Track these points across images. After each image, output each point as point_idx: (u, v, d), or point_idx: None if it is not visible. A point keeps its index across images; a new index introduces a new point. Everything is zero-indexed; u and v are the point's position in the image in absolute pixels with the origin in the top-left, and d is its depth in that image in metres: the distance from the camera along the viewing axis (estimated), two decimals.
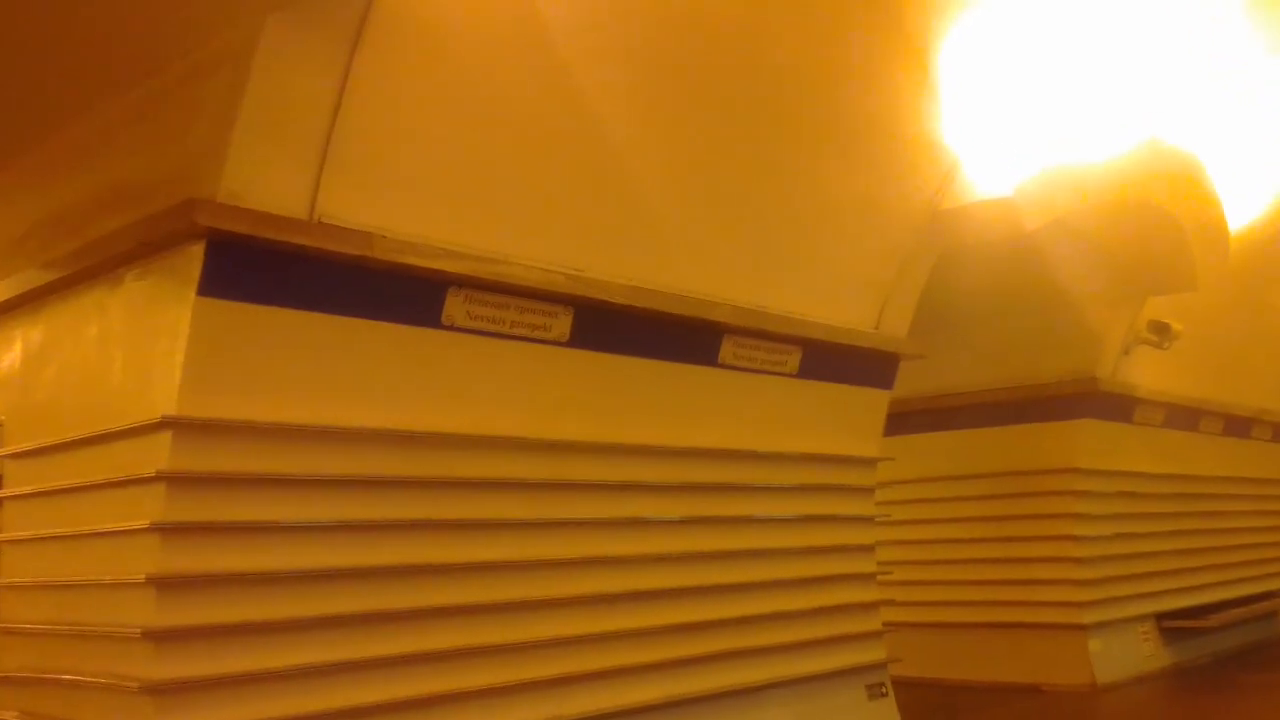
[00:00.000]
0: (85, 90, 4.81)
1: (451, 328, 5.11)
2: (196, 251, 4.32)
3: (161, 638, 4.27)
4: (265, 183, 4.42)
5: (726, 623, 6.39)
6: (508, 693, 5.26)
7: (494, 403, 5.37)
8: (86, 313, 4.91)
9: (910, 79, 6.46)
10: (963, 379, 9.83)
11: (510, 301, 5.28)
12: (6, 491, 5.19)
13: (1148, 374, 9.93)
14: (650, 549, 6.09)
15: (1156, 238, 8.44)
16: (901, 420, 8.84)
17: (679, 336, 6.14)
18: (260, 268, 4.48)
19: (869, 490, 7.64)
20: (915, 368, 7.97)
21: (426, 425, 5.08)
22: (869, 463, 7.62)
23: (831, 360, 7.05)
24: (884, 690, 7.36)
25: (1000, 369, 9.70)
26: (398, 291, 4.88)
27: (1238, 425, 11.90)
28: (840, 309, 7.12)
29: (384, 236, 4.73)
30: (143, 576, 4.29)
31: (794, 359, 6.83)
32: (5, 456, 5.24)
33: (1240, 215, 9.14)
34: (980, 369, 9.77)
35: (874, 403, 7.59)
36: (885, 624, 7.53)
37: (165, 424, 4.33)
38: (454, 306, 5.08)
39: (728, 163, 6.06)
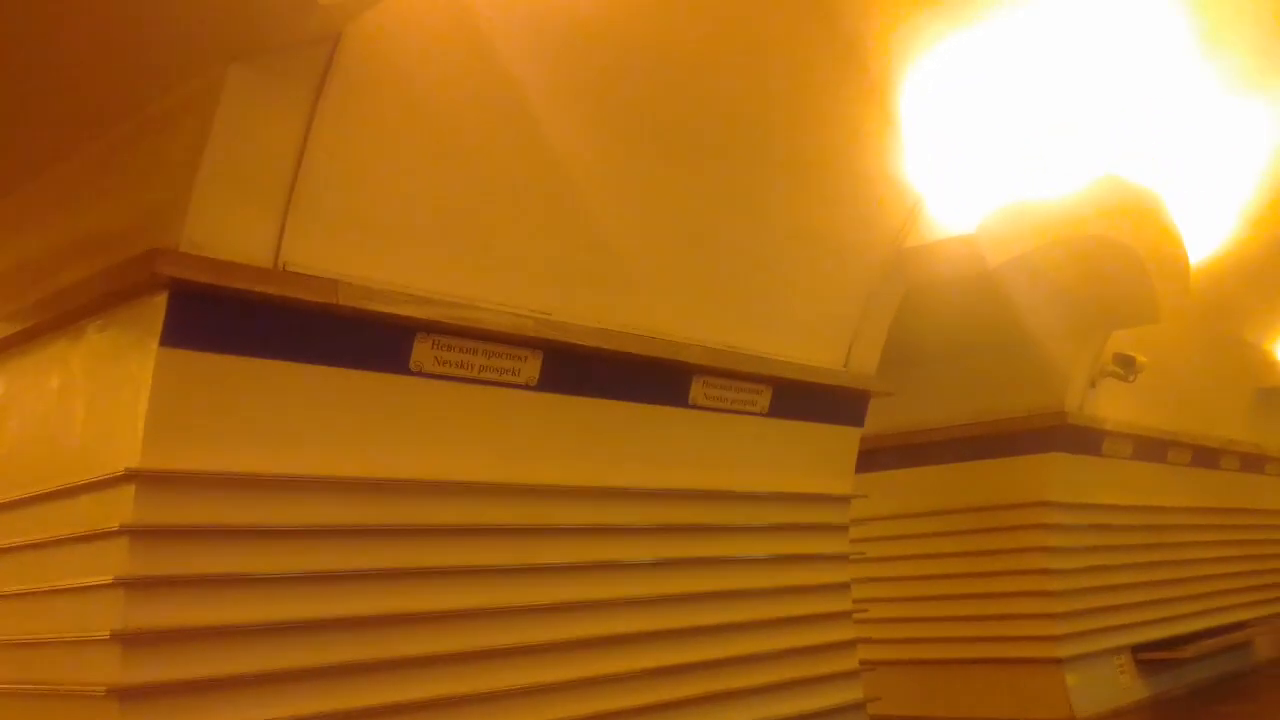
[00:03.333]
0: (48, 141, 4.79)
1: (419, 374, 5.09)
2: (159, 302, 4.29)
3: (127, 695, 4.18)
4: (229, 231, 4.40)
5: (703, 665, 6.34)
6: None
7: (463, 448, 5.33)
8: (48, 365, 4.85)
9: (873, 117, 6.54)
10: (932, 415, 9.88)
11: (478, 346, 5.27)
12: None
13: (1115, 407, 10.03)
14: (624, 592, 6.04)
15: (1118, 272, 8.54)
16: (873, 457, 8.87)
17: (648, 378, 6.14)
18: (224, 317, 4.44)
19: (842, 528, 7.64)
20: (885, 405, 8.01)
21: (395, 472, 5.03)
22: (842, 500, 7.62)
23: (801, 399, 7.07)
24: None
25: (968, 404, 9.76)
26: (365, 338, 4.86)
27: (1206, 456, 12.01)
28: (809, 347, 7.15)
29: (349, 283, 4.71)
30: (107, 633, 4.20)
31: (764, 398, 6.85)
32: None
33: (1200, 248, 9.28)
34: (949, 405, 9.83)
35: (845, 440, 7.61)
36: (862, 662, 7.50)
37: (129, 477, 4.27)
38: (421, 352, 5.06)
39: (693, 203, 6.10)
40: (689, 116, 5.81)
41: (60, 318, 4.72)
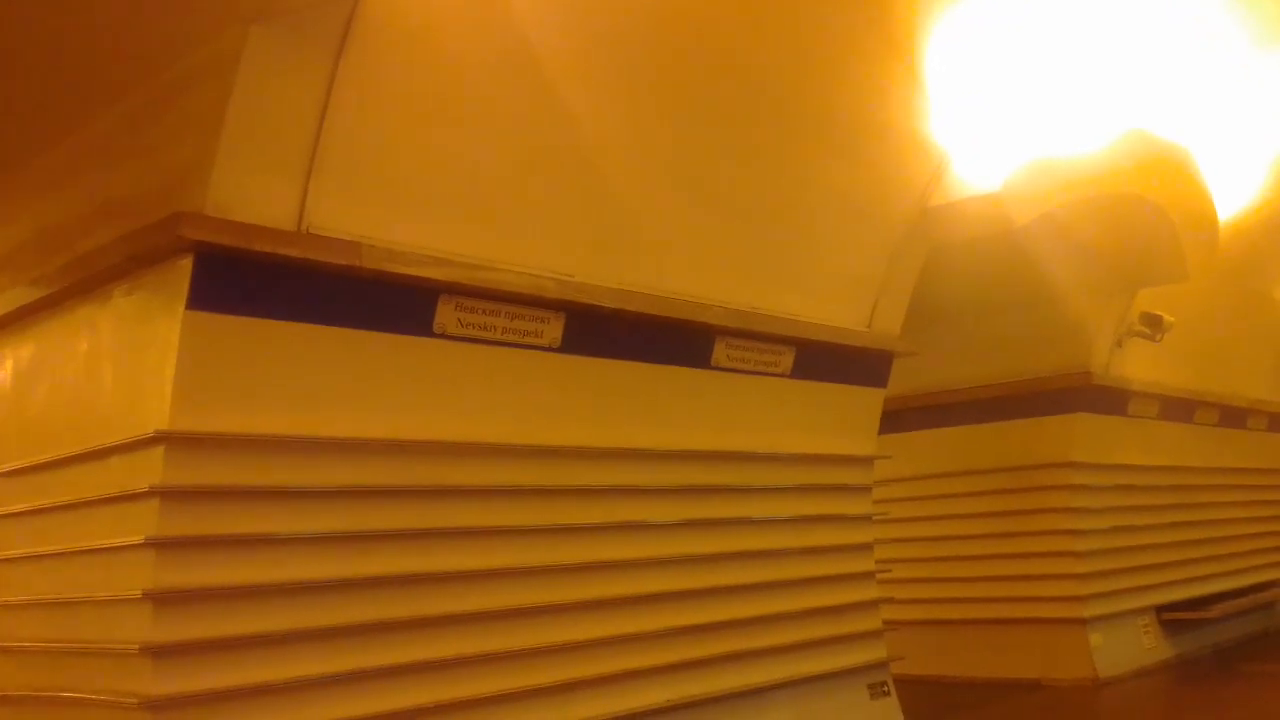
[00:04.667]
0: (71, 106, 4.81)
1: (443, 335, 5.10)
2: (185, 265, 4.32)
3: (159, 653, 4.25)
4: (252, 194, 4.41)
5: (727, 625, 6.38)
6: (508, 700, 5.24)
7: (487, 410, 5.35)
8: (76, 329, 4.90)
9: (897, 76, 6.46)
10: (956, 375, 9.83)
11: (501, 308, 5.28)
12: (2, 510, 5.16)
13: (1141, 367, 9.94)
14: (648, 553, 6.07)
15: (1146, 229, 8.44)
16: (897, 418, 8.83)
17: (671, 339, 6.13)
18: (249, 280, 4.46)
19: (866, 489, 7.63)
20: (909, 365, 7.97)
21: (419, 434, 5.06)
22: (865, 461, 7.61)
23: (825, 360, 7.05)
24: (886, 689, 7.35)
25: (993, 365, 9.70)
26: (388, 300, 4.87)
27: (1233, 416, 11.91)
28: (832, 308, 7.12)
29: (372, 245, 4.72)
30: (139, 592, 4.27)
31: (787, 359, 6.83)
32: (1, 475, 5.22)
33: (1229, 204, 9.16)
34: (973, 365, 9.77)
35: (869, 401, 7.59)
36: (885, 622, 7.52)
37: (158, 439, 4.31)
38: (445, 314, 5.07)
39: (715, 164, 6.06)
40: (711, 77, 5.76)
41: (87, 281, 4.75)
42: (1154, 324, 9.52)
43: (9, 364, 5.30)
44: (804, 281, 6.88)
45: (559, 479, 5.66)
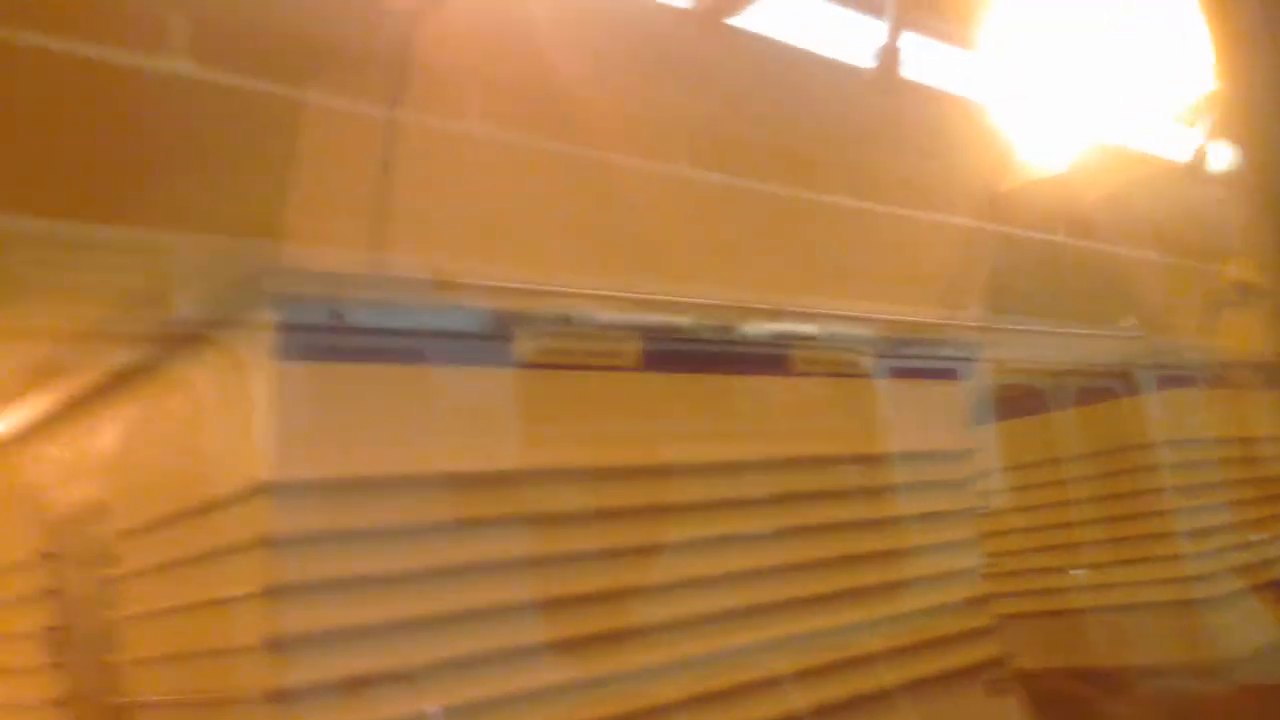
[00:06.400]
0: (144, 174, 4.98)
1: (523, 365, 5.16)
2: (270, 316, 4.44)
3: (282, 699, 4.33)
4: (327, 243, 4.53)
5: (837, 631, 6.29)
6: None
7: (573, 434, 5.39)
8: (174, 388, 5.05)
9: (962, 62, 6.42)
10: (1042, 361, 9.65)
11: (577, 332, 5.32)
12: (120, 570, 5.33)
13: (1234, 336, 9.68)
14: (748, 564, 6.03)
15: (1218, 203, 8.25)
16: (988, 409, 8.69)
17: (750, 349, 6.13)
18: (332, 326, 4.57)
19: (962, 483, 7.51)
20: (993, 354, 7.85)
21: (514, 463, 5.11)
22: (958, 455, 7.49)
23: (905, 356, 6.98)
24: (1004, 686, 7.19)
25: (1079, 347, 9.51)
26: (467, 333, 4.94)
27: None
28: (908, 301, 7.06)
29: (448, 281, 4.81)
30: (257, 640, 4.36)
31: (867, 359, 6.78)
32: (115, 535, 5.38)
33: None
34: (1058, 350, 9.59)
35: (955, 394, 7.48)
36: (996, 618, 7.36)
37: (261, 489, 4.42)
38: (523, 343, 5.13)
39: (785, 168, 6.07)
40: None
41: (180, 341, 4.91)
42: (1245, 291, 9.27)
43: (116, 426, 5.48)
44: (878, 278, 6.84)
45: (651, 498, 5.66)
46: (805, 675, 6.05)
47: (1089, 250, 8.35)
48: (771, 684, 5.90)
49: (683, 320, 5.68)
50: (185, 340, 4.88)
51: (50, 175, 4.50)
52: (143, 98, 4.39)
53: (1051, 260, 8.61)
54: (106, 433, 5.54)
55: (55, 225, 4.66)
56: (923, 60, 6.35)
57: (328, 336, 4.57)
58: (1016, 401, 9.75)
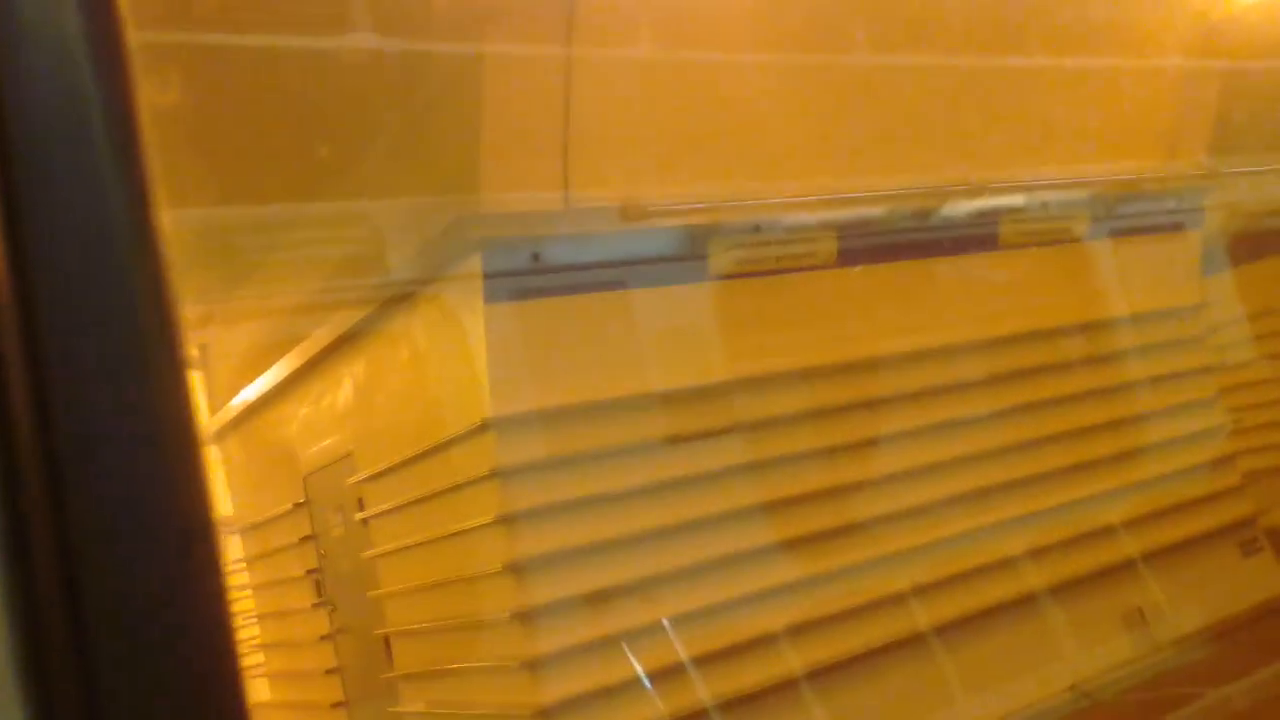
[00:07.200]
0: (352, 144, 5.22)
1: (721, 277, 5.18)
2: (475, 262, 4.63)
3: (529, 617, 4.63)
4: (519, 185, 4.65)
5: (1072, 505, 6.13)
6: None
7: (780, 339, 5.39)
8: (396, 341, 5.37)
9: None
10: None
11: (770, 238, 5.29)
12: (368, 512, 5.77)
13: None
14: (972, 448, 5.92)
15: None
16: (1222, 254, 8.08)
17: (952, 229, 5.92)
18: (533, 263, 4.72)
19: (1197, 339, 7.07)
20: (1223, 198, 7.27)
21: (721, 375, 5.18)
22: (1191, 310, 7.04)
23: (1124, 212, 6.57)
24: (1258, 545, 6.85)
25: None
26: (662, 255, 5.00)
27: None
28: (1124, 153, 6.60)
29: (637, 206, 4.85)
30: (500, 566, 4.66)
31: (1082, 222, 6.42)
32: (361, 482, 5.82)
33: None
34: None
35: (1183, 245, 7.01)
36: (1244, 474, 6.98)
37: (486, 426, 4.67)
38: (718, 256, 5.15)
39: (975, 38, 5.73)
40: None
41: (396, 296, 5.19)
42: None
43: (348, 382, 5.88)
44: (1087, 133, 6.42)
45: (863, 392, 5.62)
46: (1042, 554, 5.95)
47: None
48: (1006, 566, 5.83)
49: (876, 212, 5.53)
50: (402, 297, 5.16)
51: (261, 165, 4.79)
52: (330, 78, 4.57)
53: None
54: (343, 390, 5.96)
55: (272, 209, 4.97)
56: None
57: (531, 275, 4.73)
58: (1256, 245, 9.01)
